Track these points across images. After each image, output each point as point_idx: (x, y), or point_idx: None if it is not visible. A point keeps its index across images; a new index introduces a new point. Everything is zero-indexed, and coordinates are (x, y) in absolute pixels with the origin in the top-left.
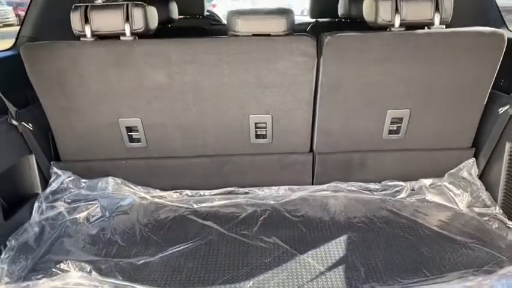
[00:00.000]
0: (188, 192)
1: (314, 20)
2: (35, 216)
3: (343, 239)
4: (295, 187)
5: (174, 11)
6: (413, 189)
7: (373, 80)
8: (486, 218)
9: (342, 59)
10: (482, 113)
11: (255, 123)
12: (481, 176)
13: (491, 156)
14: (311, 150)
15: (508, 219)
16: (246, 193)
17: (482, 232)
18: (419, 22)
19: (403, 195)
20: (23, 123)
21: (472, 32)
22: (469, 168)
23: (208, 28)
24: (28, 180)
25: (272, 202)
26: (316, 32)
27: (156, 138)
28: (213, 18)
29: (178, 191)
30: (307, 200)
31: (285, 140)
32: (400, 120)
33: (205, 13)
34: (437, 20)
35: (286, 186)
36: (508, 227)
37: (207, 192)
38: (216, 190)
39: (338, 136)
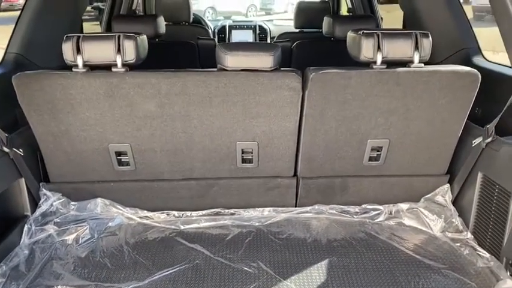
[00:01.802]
0: (175, 213)
1: (298, 30)
2: (25, 239)
3: (324, 263)
4: (279, 209)
5: (162, 26)
6: (391, 213)
7: (355, 112)
8: (458, 244)
9: (326, 93)
10: (457, 143)
11: (242, 149)
12: (454, 202)
13: (464, 184)
14: (295, 174)
15: (478, 245)
16: (232, 214)
17: (454, 258)
18: (399, 60)
19: (381, 218)
20: (13, 149)
21: (448, 71)
22: (444, 194)
23: (195, 43)
24: (18, 203)
25: (257, 224)
26: (300, 50)
27: (144, 162)
28: (200, 25)
29: (165, 212)
30: (290, 221)
31: (270, 165)
32: (380, 148)
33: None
34: (416, 58)
35: (271, 208)
36: (478, 254)
37: (194, 213)
38: (202, 211)
39: (321, 162)
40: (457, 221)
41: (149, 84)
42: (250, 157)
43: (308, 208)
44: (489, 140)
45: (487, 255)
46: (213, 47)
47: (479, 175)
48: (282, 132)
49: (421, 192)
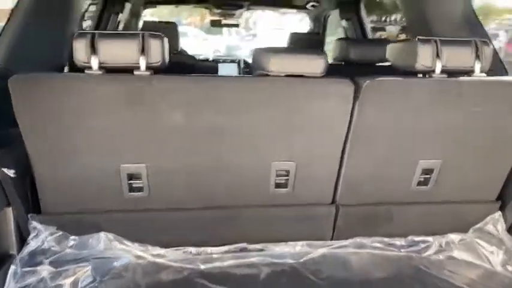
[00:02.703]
0: (193, 249)
1: None
2: (10, 284)
3: None
4: (314, 243)
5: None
6: (441, 246)
7: (410, 127)
8: None
9: (380, 104)
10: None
11: (277, 171)
12: (509, 230)
13: None
14: (333, 201)
15: None
16: (261, 250)
17: None
18: (459, 69)
19: (430, 251)
20: (2, 169)
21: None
22: (495, 223)
23: (196, 64)
24: (3, 238)
25: (291, 261)
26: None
27: (160, 186)
28: (187, 54)
29: (181, 248)
30: (328, 257)
31: (307, 190)
32: (431, 171)
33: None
34: (478, 68)
35: (304, 242)
36: None
37: (214, 249)
38: (225, 247)
39: (364, 187)
40: None
41: (178, 90)
42: (286, 181)
43: (347, 242)
44: None
45: None
46: (213, 68)
47: None
48: (325, 149)
49: (470, 221)
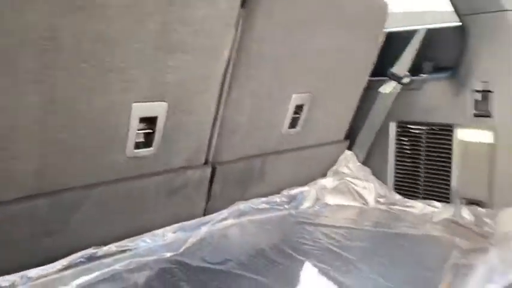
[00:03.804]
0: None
1: None
2: None
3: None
4: (187, 224)
5: None
6: (315, 193)
7: (292, 52)
8: (394, 207)
9: (270, 14)
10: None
11: (140, 119)
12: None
13: (373, 143)
14: (206, 161)
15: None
16: (120, 252)
17: (404, 220)
18: None
19: (308, 203)
20: None
21: None
22: (347, 162)
23: None
24: None
25: (169, 254)
26: None
27: None
28: None
29: None
30: (210, 238)
31: (177, 147)
32: (301, 108)
33: None
34: None
35: (176, 226)
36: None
37: (39, 270)
38: (55, 264)
39: (240, 135)
40: (378, 183)
41: None
42: (150, 136)
43: (226, 213)
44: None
45: (438, 204)
46: None
47: (392, 125)
48: (204, 82)
49: (329, 163)
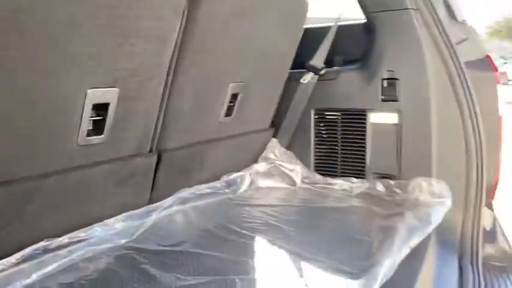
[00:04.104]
0: None
1: None
2: None
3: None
4: (136, 213)
5: None
6: (249, 178)
7: (232, 41)
8: (318, 185)
9: (212, 4)
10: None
11: (93, 106)
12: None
13: (296, 129)
14: (151, 149)
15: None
16: (73, 243)
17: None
18: None
19: (244, 187)
20: None
21: None
22: (273, 149)
23: None
24: None
25: (123, 241)
26: None
27: None
28: None
29: None
30: (161, 224)
31: (127, 135)
32: (236, 97)
33: None
34: None
35: (125, 215)
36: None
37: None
38: (7, 259)
39: (185, 123)
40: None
41: None
42: (102, 122)
43: (171, 199)
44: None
45: (356, 180)
46: None
47: (312, 112)
48: (153, 69)
49: (258, 150)
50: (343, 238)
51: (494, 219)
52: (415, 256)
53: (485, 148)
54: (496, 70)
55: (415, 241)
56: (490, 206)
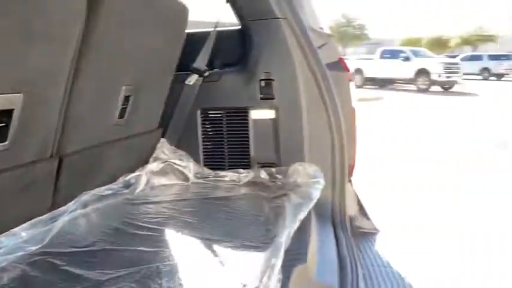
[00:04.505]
0: None
1: None
2: None
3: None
4: (39, 220)
5: None
6: (145, 178)
7: (125, 47)
8: (209, 178)
9: (110, 11)
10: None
11: None
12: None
13: (184, 129)
14: (52, 154)
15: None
16: None
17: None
18: None
19: (141, 186)
20: None
21: None
22: (163, 148)
23: None
24: None
25: (33, 248)
26: None
27: None
28: None
29: None
30: (66, 229)
31: (29, 141)
32: (128, 99)
33: None
34: None
35: (28, 224)
36: (223, 176)
37: None
38: None
39: (84, 126)
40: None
41: None
42: (4, 130)
43: (74, 204)
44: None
45: (242, 170)
46: None
47: (199, 112)
48: (54, 69)
49: (149, 151)
50: (242, 221)
51: (355, 194)
52: (303, 228)
53: (345, 136)
54: (348, 70)
55: (302, 215)
56: (350, 183)
